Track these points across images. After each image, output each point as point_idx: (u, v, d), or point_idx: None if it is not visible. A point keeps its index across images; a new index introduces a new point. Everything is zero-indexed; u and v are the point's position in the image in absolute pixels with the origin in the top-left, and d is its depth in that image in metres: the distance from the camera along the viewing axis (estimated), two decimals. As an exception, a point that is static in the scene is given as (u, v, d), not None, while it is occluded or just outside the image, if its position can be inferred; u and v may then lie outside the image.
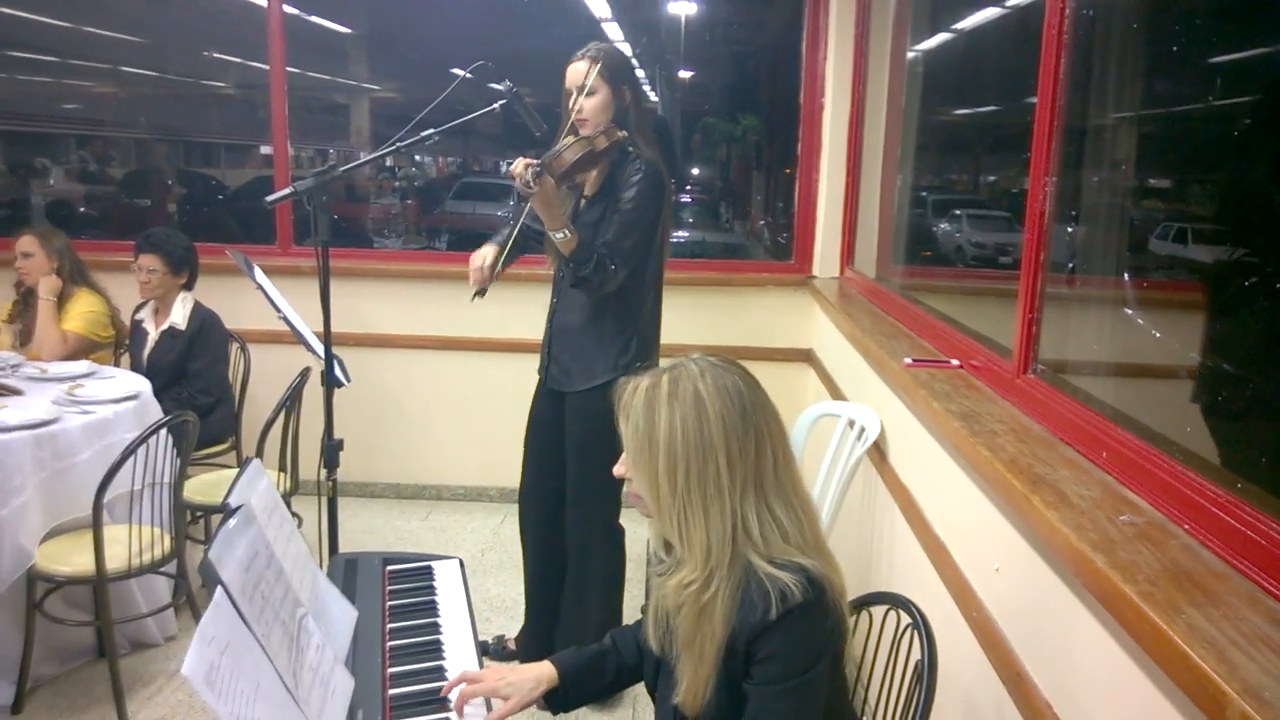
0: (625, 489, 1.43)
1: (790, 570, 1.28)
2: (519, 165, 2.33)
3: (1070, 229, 2.13)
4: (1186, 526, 1.32)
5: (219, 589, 1.19)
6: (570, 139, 2.45)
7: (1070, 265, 2.16)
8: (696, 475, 1.30)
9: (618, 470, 1.43)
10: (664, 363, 1.41)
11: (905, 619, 1.58)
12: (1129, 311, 2.06)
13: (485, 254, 2.59)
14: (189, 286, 3.55)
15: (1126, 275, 2.08)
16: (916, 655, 1.52)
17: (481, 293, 2.58)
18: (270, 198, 2.35)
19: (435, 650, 1.63)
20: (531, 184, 2.29)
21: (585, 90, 2.45)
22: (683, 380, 1.34)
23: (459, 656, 1.62)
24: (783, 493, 1.35)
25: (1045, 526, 1.40)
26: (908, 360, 2.39)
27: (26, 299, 3.58)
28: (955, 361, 2.38)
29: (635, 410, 1.35)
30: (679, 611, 1.36)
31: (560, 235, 2.41)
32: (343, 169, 2.33)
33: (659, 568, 1.46)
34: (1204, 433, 1.69)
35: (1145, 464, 1.47)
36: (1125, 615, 1.16)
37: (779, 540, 1.32)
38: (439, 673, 1.57)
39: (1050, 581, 1.48)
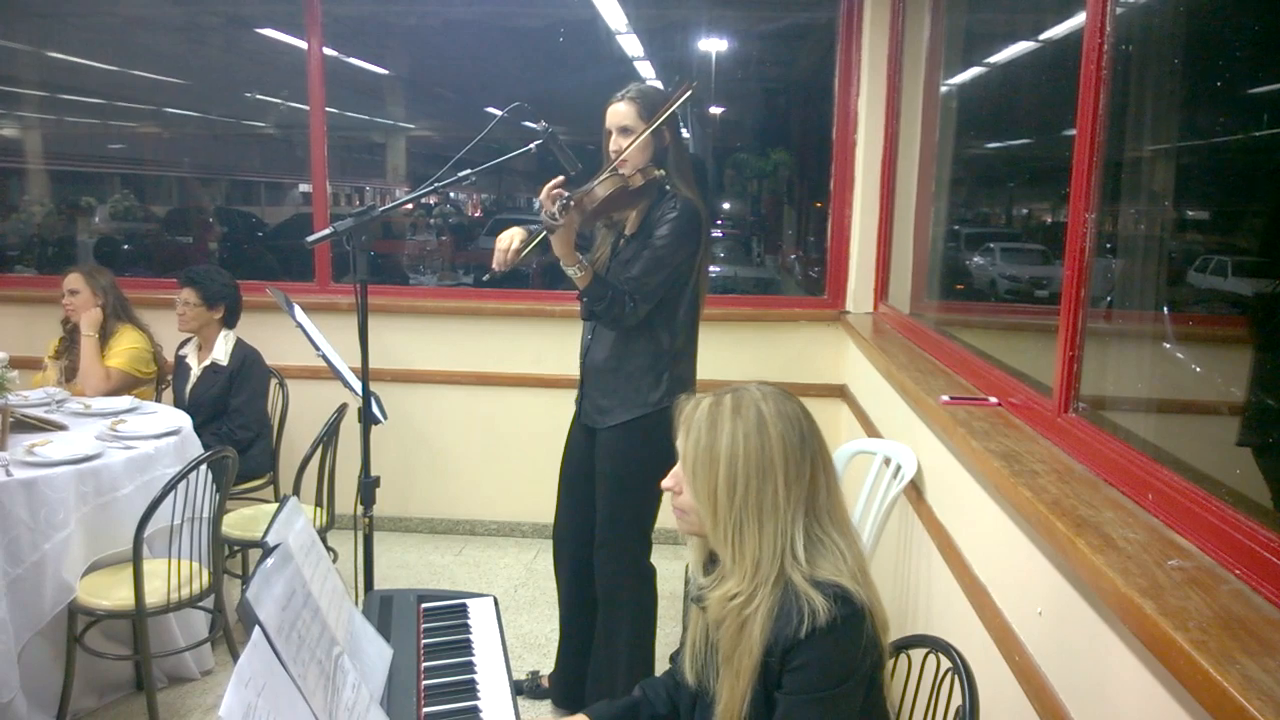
0: (672, 501, 1.46)
1: (825, 591, 1.31)
2: (547, 193, 2.32)
3: (1110, 263, 2.10)
4: (1238, 572, 1.29)
5: (256, 629, 1.19)
6: (605, 175, 2.46)
7: (1109, 299, 2.13)
8: (755, 491, 1.35)
9: (667, 483, 1.46)
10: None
11: (945, 663, 1.55)
12: (1168, 346, 2.03)
13: (514, 235, 2.51)
14: (230, 323, 3.60)
15: (1166, 309, 2.05)
16: (958, 701, 1.49)
17: (496, 272, 2.50)
18: (310, 238, 2.39)
19: (470, 690, 1.62)
20: (557, 216, 2.29)
21: (624, 132, 2.47)
22: (745, 400, 1.39)
23: (493, 697, 1.61)
24: (831, 520, 1.39)
25: (1090, 571, 1.37)
26: (945, 398, 2.37)
27: (73, 335, 3.66)
28: (994, 399, 2.35)
29: (697, 423, 1.40)
30: (720, 625, 1.38)
31: (572, 271, 2.40)
32: (382, 210, 2.36)
33: (697, 593, 1.47)
34: (1253, 472, 1.65)
35: (1193, 506, 1.44)
36: (1176, 664, 1.13)
37: (823, 563, 1.35)
38: (473, 714, 1.56)
39: (1096, 627, 1.45)
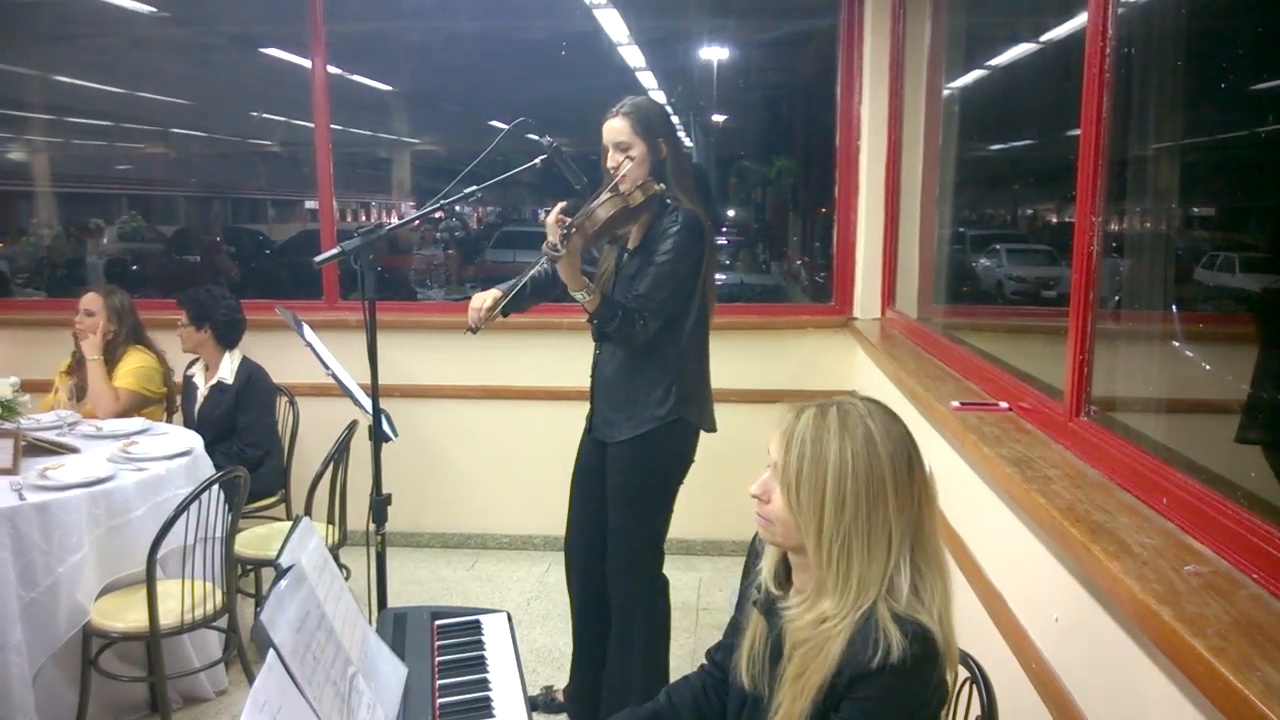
0: (757, 509, 1.39)
1: (905, 627, 1.25)
2: (552, 223, 2.34)
3: (1118, 263, 2.10)
4: (1255, 576, 1.28)
5: (271, 651, 1.19)
6: (605, 195, 2.46)
7: (1117, 300, 2.13)
8: (866, 513, 1.28)
9: (754, 490, 1.39)
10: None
11: (963, 673, 1.54)
12: (1178, 344, 2.02)
13: (487, 296, 2.62)
14: (227, 343, 3.56)
15: (1175, 307, 2.04)
16: (976, 711, 1.48)
17: (474, 330, 2.61)
18: (318, 258, 2.39)
19: (485, 708, 1.62)
20: (559, 247, 2.31)
21: (620, 147, 2.47)
22: (852, 415, 1.32)
23: (509, 715, 1.61)
24: (932, 552, 1.33)
25: (1107, 577, 1.36)
26: (955, 404, 2.36)
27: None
28: (1004, 404, 2.34)
29: (800, 435, 1.33)
30: (801, 646, 1.32)
31: (580, 295, 2.42)
32: (389, 228, 2.36)
33: (769, 604, 1.42)
34: (1267, 472, 1.64)
35: (1208, 510, 1.43)
36: (1195, 671, 1.12)
37: (913, 599, 1.29)
38: (489, 732, 1.56)
39: (1114, 634, 1.44)
